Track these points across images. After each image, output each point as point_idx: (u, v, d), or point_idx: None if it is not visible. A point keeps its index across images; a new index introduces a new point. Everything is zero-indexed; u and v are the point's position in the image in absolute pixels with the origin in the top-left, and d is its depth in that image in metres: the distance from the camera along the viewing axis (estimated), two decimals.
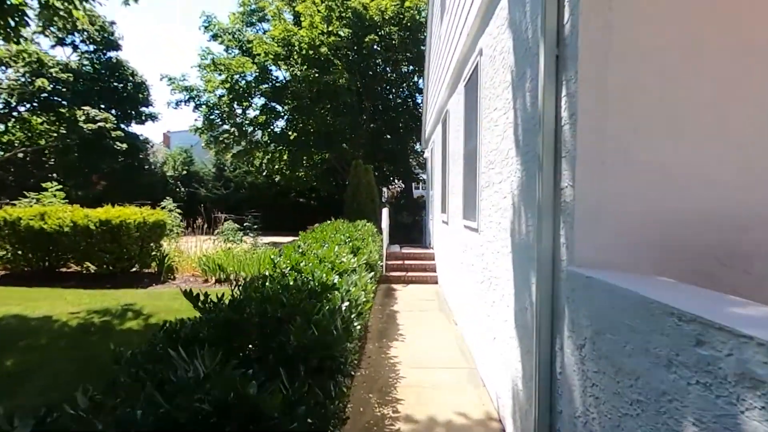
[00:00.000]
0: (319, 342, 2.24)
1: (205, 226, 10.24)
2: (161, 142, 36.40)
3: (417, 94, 17.09)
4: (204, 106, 14.50)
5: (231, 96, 13.88)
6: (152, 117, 21.87)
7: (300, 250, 5.43)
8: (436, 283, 8.43)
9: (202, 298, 2.68)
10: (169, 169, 21.43)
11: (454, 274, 5.83)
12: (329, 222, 9.49)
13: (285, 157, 15.27)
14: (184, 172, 21.17)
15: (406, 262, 9.01)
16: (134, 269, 8.96)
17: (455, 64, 5.41)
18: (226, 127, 14.74)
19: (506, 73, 3.06)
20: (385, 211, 9.28)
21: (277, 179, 17.61)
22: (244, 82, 13.75)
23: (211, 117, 14.59)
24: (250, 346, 2.50)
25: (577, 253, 1.82)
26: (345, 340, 2.40)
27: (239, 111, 14.78)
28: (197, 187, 20.51)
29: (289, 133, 14.91)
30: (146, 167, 21.09)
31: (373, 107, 16.54)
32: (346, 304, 3.21)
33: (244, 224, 10.76)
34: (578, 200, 1.82)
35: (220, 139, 14.77)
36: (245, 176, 20.06)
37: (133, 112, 21.98)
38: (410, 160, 19.05)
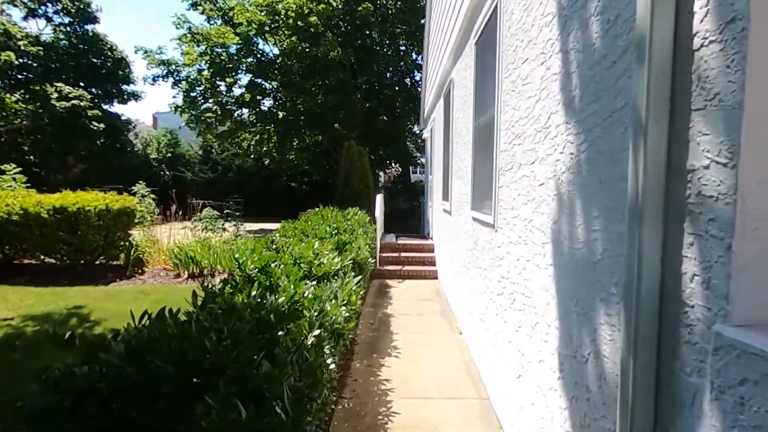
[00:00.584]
0: None
1: (180, 213, 9.29)
2: (152, 125, 35.05)
3: (415, 71, 15.96)
4: (184, 82, 13.34)
5: (212, 70, 12.71)
6: (135, 96, 20.58)
7: (274, 247, 4.53)
8: (436, 278, 7.56)
9: (77, 341, 1.78)
10: (152, 151, 20.23)
11: (459, 274, 4.94)
12: (316, 209, 8.57)
13: (274, 139, 14.19)
14: (169, 154, 20.00)
15: (403, 254, 8.12)
16: (100, 261, 8.04)
17: (463, 19, 4.41)
18: (208, 105, 13.59)
19: (547, 3, 2.09)
20: (379, 198, 8.34)
21: (266, 162, 16.57)
22: (225, 54, 12.54)
23: (192, 94, 13.44)
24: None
25: (742, 300, 0.90)
26: (298, 423, 1.49)
27: (223, 88, 13.63)
28: (183, 170, 19.38)
29: (277, 111, 13.81)
30: (129, 149, 19.93)
31: (367, 85, 15.41)
32: (316, 333, 2.31)
33: (224, 211, 9.79)
34: (745, 194, 0.90)
35: (202, 118, 13.66)
36: (233, 159, 18.97)
37: (115, 91, 20.71)
38: (408, 142, 18.01)
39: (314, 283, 3.45)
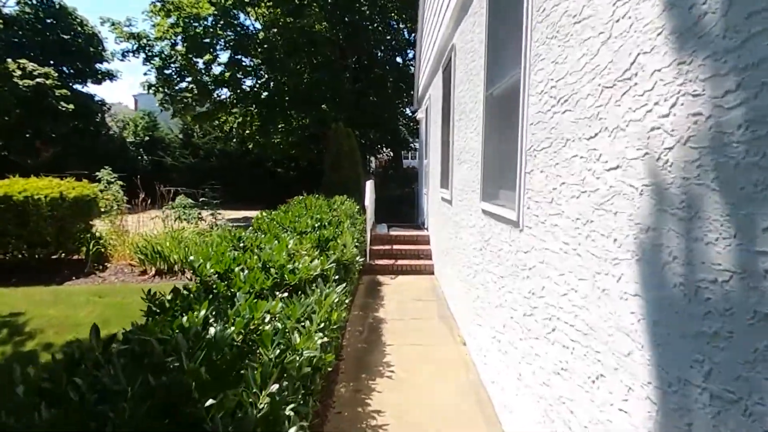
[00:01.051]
0: None
1: (148, 201, 8.43)
2: (134, 107, 33.50)
3: (408, 50, 15.01)
4: (157, 58, 12.23)
5: (187, 45, 11.61)
6: (110, 75, 19.32)
7: (242, 245, 3.78)
8: (432, 273, 6.86)
9: None
10: (129, 134, 19.03)
11: (462, 274, 4.23)
12: (300, 197, 7.78)
13: (257, 121, 13.22)
14: (147, 138, 18.83)
15: (395, 247, 7.40)
16: (58, 256, 7.20)
17: None
18: (184, 84, 12.51)
19: None
20: (369, 185, 7.56)
21: (250, 146, 15.60)
22: (201, 28, 11.39)
23: (167, 71, 12.36)
24: None
25: None
26: None
27: (201, 65, 12.54)
28: (162, 155, 18.28)
29: (260, 91, 12.82)
30: (104, 132, 18.75)
31: (357, 64, 14.44)
32: (274, 388, 1.57)
33: (200, 199, 8.93)
34: None
35: (178, 97, 12.60)
36: (215, 143, 17.92)
37: (88, 70, 19.42)
38: (400, 126, 17.13)
39: (285, 296, 2.73)
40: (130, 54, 12.57)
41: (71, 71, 19.03)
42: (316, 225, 4.98)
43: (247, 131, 13.91)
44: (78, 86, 19.22)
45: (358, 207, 7.65)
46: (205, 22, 11.19)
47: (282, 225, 4.74)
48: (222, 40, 12.28)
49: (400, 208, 12.82)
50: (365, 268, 6.89)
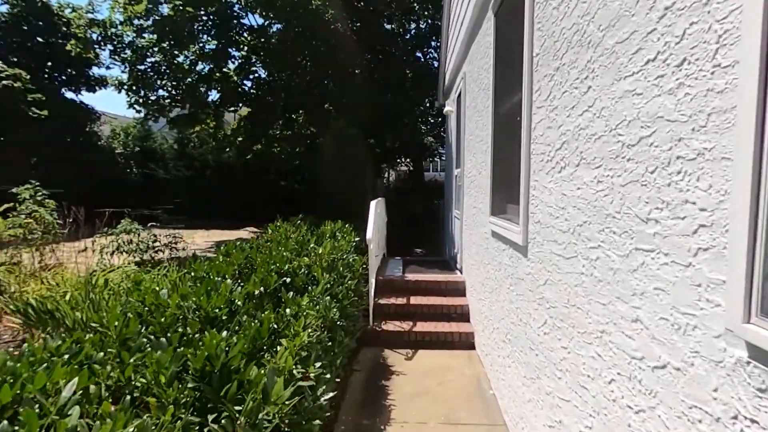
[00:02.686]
0: None
1: (78, 229, 6.27)
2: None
3: (432, 39, 12.62)
4: (129, 51, 10.16)
5: (156, 29, 9.43)
6: (102, 82, 17.64)
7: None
8: (472, 347, 4.34)
9: None
10: (118, 145, 17.16)
11: (569, 421, 1.71)
12: (277, 223, 5.41)
13: (249, 126, 11.04)
14: (138, 149, 16.92)
15: (414, 300, 4.91)
16: None
17: None
18: (161, 82, 10.38)
19: None
20: (374, 206, 5.07)
21: (249, 156, 13.49)
22: (173, 8, 9.12)
23: (141, 67, 10.26)
24: None
25: None
26: None
27: (185, 63, 10.42)
28: (154, 167, 16.33)
29: (251, 90, 10.68)
30: (97, 143, 16.99)
31: (370, 60, 12.19)
32: None
33: (149, 224, 6.64)
34: None
35: (152, 99, 10.48)
36: (211, 153, 15.88)
37: (83, 78, 17.82)
38: (421, 133, 14.65)
39: None
40: (96, 46, 10.64)
41: (62, 77, 17.48)
42: (256, 294, 2.59)
43: (240, 138, 11.72)
44: (71, 95, 17.64)
45: (358, 238, 5.24)
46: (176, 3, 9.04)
47: (191, 295, 2.35)
48: (202, 26, 10.11)
49: (420, 230, 10.36)
50: (367, 337, 4.43)
